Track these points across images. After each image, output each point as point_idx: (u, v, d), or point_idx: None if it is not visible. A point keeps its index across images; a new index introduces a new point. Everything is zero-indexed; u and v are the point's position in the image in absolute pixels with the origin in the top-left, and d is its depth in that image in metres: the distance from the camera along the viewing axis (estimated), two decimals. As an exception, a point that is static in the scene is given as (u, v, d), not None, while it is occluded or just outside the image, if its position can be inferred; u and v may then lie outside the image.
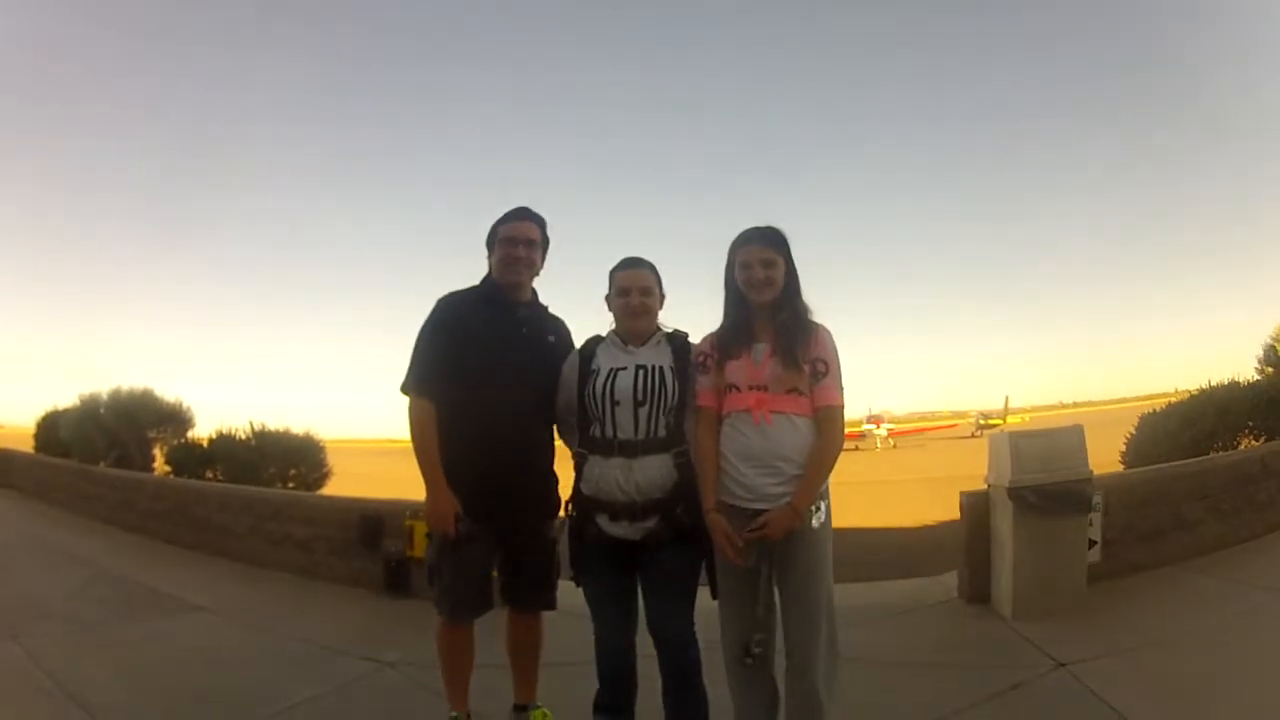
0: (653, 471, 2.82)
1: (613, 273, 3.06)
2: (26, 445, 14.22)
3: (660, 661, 2.96)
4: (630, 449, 2.83)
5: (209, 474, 10.03)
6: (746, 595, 2.76)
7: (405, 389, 3.10)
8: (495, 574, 3.24)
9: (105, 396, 12.09)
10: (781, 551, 2.69)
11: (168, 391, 12.17)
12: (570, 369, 3.07)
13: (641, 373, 2.88)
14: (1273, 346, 9.20)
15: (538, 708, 3.33)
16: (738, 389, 2.76)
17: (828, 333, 2.83)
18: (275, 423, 10.62)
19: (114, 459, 11.17)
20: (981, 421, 56.70)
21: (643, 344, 3.00)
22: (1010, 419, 55.54)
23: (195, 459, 10.32)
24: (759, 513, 2.67)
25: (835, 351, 2.81)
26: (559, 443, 3.26)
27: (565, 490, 3.11)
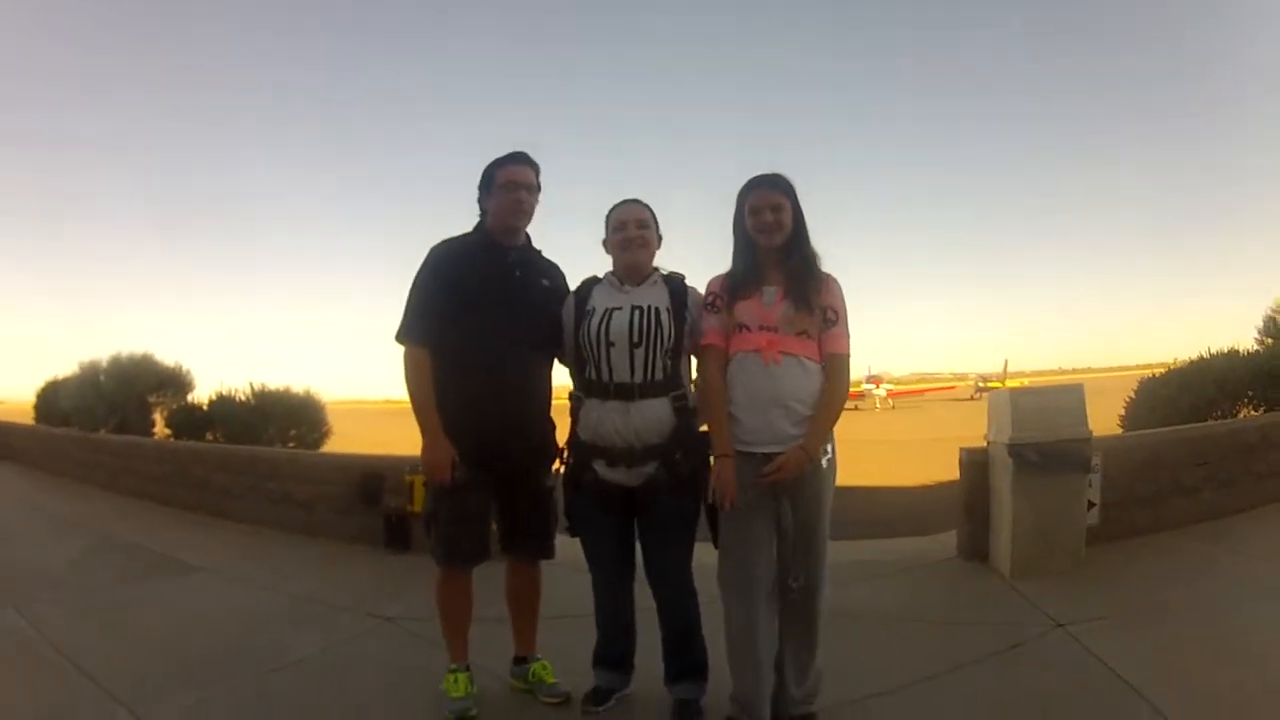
0: (650, 416, 2.80)
1: (609, 213, 3.03)
2: (29, 419, 14.17)
3: (659, 612, 2.98)
4: (627, 391, 2.81)
5: (209, 436, 10.01)
6: (762, 533, 2.76)
7: (400, 337, 3.07)
8: (494, 526, 3.24)
9: (105, 363, 12.05)
10: (790, 488, 2.70)
11: (167, 356, 12.15)
12: (568, 311, 3.05)
13: (637, 313, 2.85)
14: (1273, 318, 9.16)
15: (538, 659, 3.34)
16: (747, 329, 2.75)
17: (837, 282, 2.85)
18: (275, 383, 10.63)
19: (114, 425, 11.16)
20: (981, 384, 56.73)
21: (639, 284, 2.97)
22: (1009, 383, 55.41)
23: (195, 421, 10.28)
24: (765, 455, 2.67)
25: (844, 301, 2.84)
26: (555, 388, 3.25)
27: (563, 437, 3.11)
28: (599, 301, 2.95)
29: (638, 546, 3.01)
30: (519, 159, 3.15)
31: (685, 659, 3.00)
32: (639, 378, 2.81)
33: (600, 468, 2.87)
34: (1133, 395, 8.60)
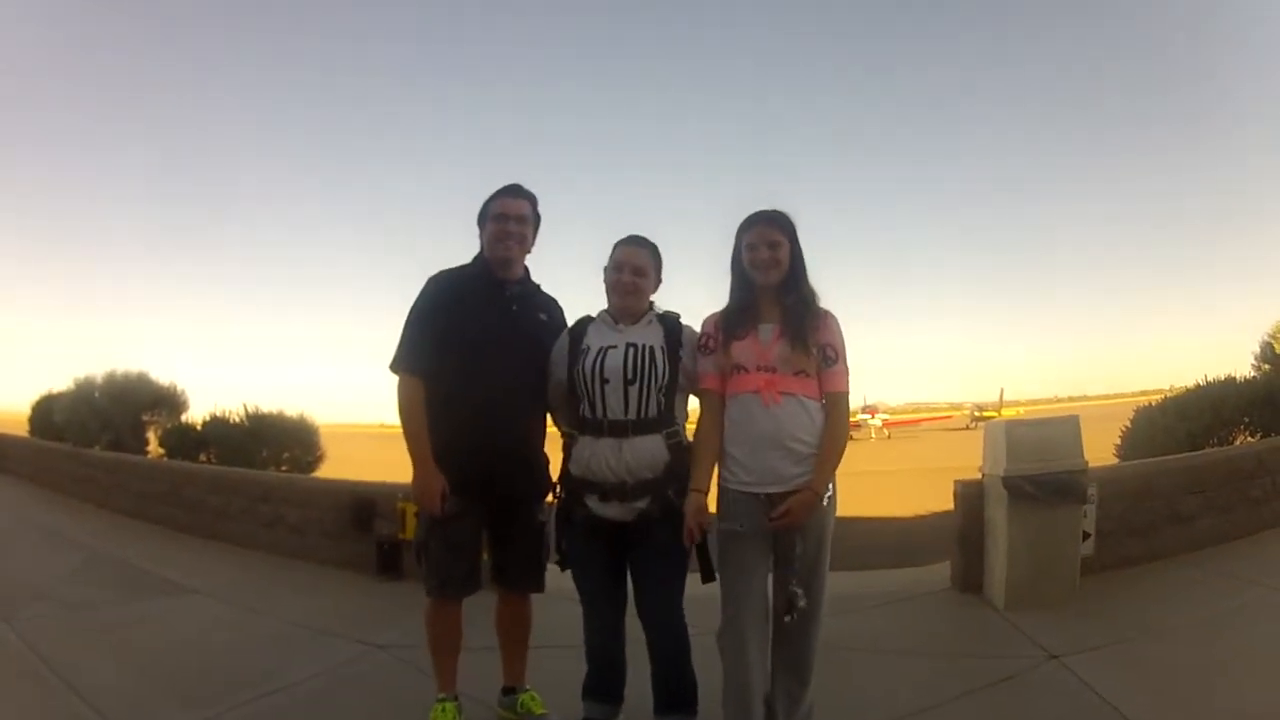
0: (644, 452, 2.80)
1: (614, 247, 3.04)
2: (21, 430, 14.15)
3: (649, 645, 2.96)
4: (621, 429, 2.81)
5: (202, 456, 10.00)
6: (757, 568, 2.75)
7: (394, 367, 3.08)
8: (485, 556, 3.24)
9: (100, 380, 12.06)
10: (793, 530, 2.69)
11: (163, 374, 12.16)
12: (560, 349, 3.05)
13: (632, 351, 2.86)
14: (1269, 344, 9.20)
15: (526, 690, 3.32)
16: (744, 370, 2.75)
17: (835, 320, 2.85)
18: (270, 405, 10.63)
19: (108, 442, 11.14)
20: (976, 414, 56.71)
21: (634, 323, 2.98)
22: (1005, 411, 55.26)
23: (189, 442, 10.28)
24: (770, 496, 2.67)
25: (843, 339, 2.83)
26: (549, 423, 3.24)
27: (555, 472, 3.10)
28: (594, 340, 2.96)
29: (629, 579, 3.00)
30: (511, 191, 3.20)
31: (675, 691, 2.97)
32: (632, 415, 2.82)
33: (593, 503, 2.86)
34: (1129, 423, 8.61)
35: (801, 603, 2.68)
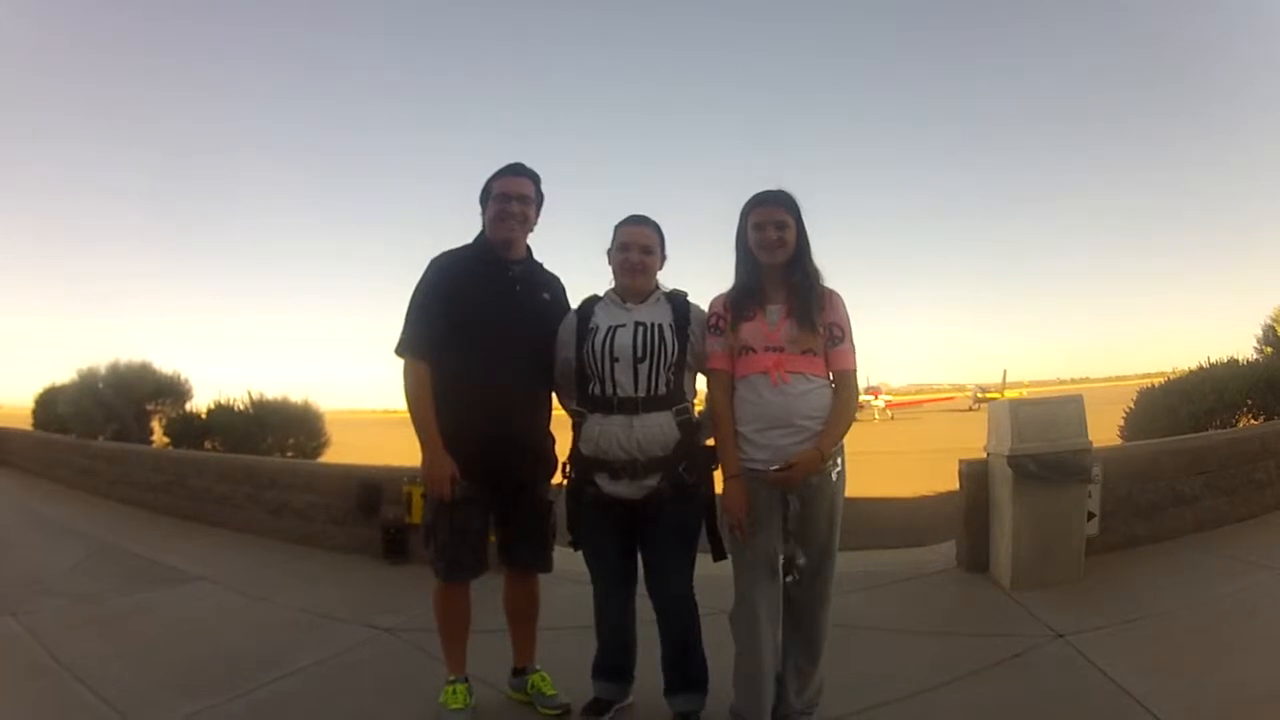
0: (654, 429, 2.81)
1: (617, 227, 3.03)
2: (26, 424, 14.15)
3: (659, 624, 2.98)
4: (631, 406, 2.81)
5: (207, 445, 10.03)
6: (769, 547, 2.76)
7: (399, 350, 3.07)
8: (492, 538, 3.24)
9: (103, 370, 12.07)
10: (801, 502, 2.71)
11: (166, 364, 12.17)
12: (567, 329, 3.05)
13: (641, 329, 2.86)
14: (1272, 327, 9.20)
15: (536, 671, 3.33)
16: (753, 350, 2.77)
17: (840, 298, 2.86)
18: (274, 392, 10.64)
19: (112, 433, 11.15)
20: (979, 395, 56.60)
21: (641, 302, 2.97)
22: (1008, 393, 55.17)
23: (193, 430, 10.32)
24: (777, 473, 2.68)
25: (848, 317, 2.85)
26: (556, 403, 3.24)
27: (563, 452, 3.10)
28: (602, 319, 2.96)
29: (639, 558, 3.01)
30: (513, 170, 3.18)
31: (685, 671, 2.99)
32: (642, 392, 2.82)
33: (603, 481, 2.87)
34: (1132, 405, 8.61)
35: (801, 560, 2.71)
